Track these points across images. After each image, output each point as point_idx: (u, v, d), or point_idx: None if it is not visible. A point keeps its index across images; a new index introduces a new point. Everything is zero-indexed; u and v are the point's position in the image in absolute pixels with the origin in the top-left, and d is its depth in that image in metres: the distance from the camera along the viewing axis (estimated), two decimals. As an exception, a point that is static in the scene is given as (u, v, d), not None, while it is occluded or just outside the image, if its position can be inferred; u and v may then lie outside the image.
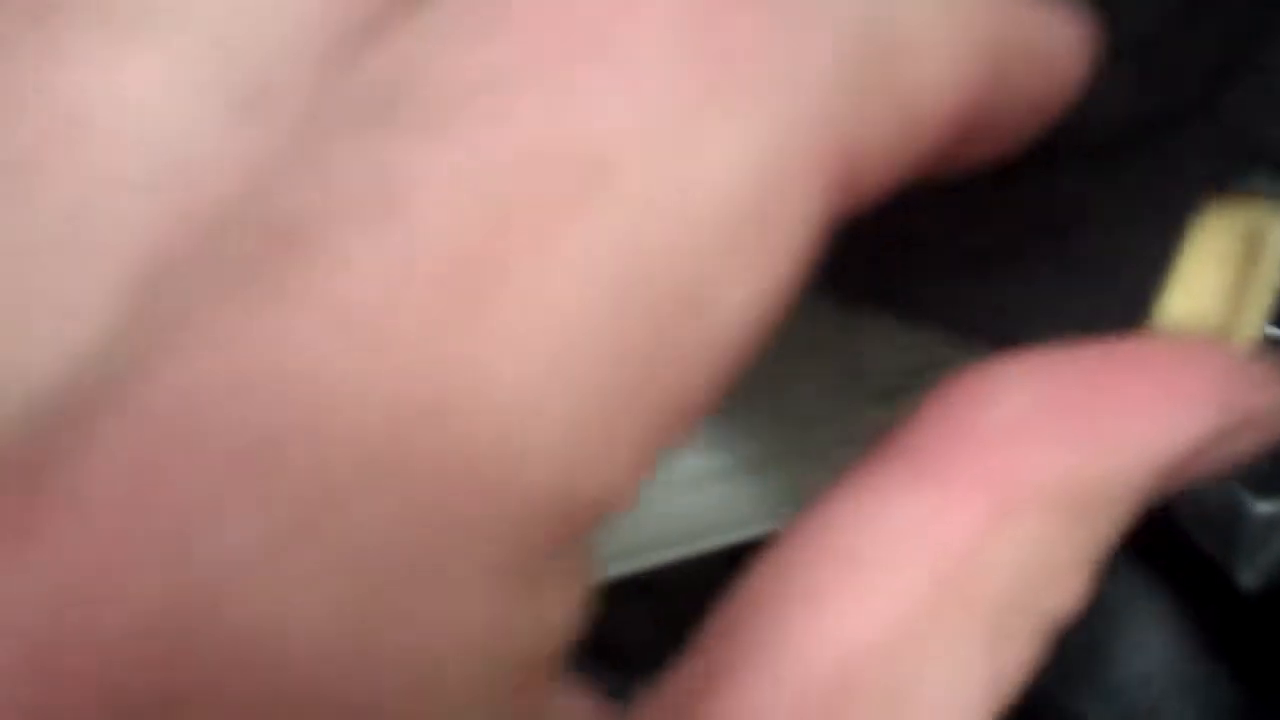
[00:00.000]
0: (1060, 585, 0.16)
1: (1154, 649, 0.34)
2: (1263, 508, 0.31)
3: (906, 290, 0.19)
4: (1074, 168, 0.18)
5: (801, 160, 0.13)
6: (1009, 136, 0.16)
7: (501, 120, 0.12)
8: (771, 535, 0.16)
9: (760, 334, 0.13)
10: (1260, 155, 0.18)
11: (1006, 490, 0.16)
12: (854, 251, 0.19)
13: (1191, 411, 0.17)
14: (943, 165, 0.15)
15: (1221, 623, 0.33)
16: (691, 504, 0.24)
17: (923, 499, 0.16)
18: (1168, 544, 0.32)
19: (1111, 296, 0.18)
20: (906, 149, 0.14)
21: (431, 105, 0.12)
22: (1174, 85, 0.18)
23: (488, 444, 0.12)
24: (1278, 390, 0.18)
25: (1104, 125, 0.18)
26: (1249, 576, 0.32)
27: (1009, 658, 0.16)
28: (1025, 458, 0.16)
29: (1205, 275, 0.19)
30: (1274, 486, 0.31)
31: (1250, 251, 0.19)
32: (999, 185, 0.18)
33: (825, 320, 0.21)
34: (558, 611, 0.13)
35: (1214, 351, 0.18)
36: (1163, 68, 0.18)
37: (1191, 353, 0.18)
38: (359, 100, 0.12)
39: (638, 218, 0.12)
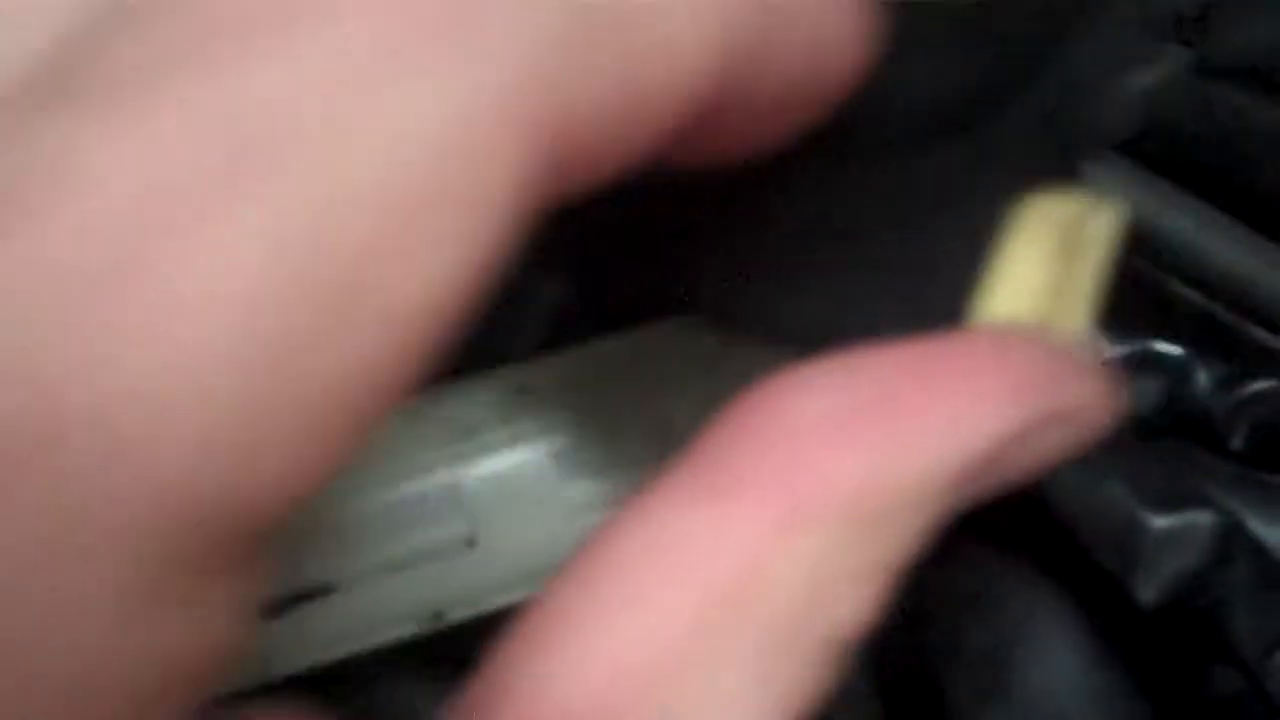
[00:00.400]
0: (851, 599, 0.15)
1: (1057, 662, 0.34)
2: (1160, 522, 0.32)
3: (719, 298, 0.18)
4: (878, 160, 0.17)
5: (493, 134, 0.12)
6: (777, 120, 0.15)
7: (162, 93, 0.11)
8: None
9: (452, 319, 0.12)
10: (1075, 143, 0.18)
11: (796, 500, 0.15)
12: (667, 258, 0.18)
13: (995, 409, 0.16)
14: (706, 148, 0.14)
15: (1124, 636, 0.33)
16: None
17: (706, 512, 0.15)
18: (1070, 557, 0.33)
19: (927, 294, 0.18)
20: (636, 125, 0.13)
21: (99, 83, 0.11)
22: (984, 73, 0.17)
23: (111, 449, 0.11)
24: (1095, 383, 0.17)
25: (902, 115, 0.17)
26: (1148, 592, 0.32)
27: (790, 679, 0.15)
28: (817, 465, 0.15)
29: (1026, 268, 0.18)
30: (1172, 501, 0.32)
31: (1071, 242, 0.18)
32: (801, 180, 0.17)
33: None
34: (208, 628, 0.12)
35: (1023, 345, 0.17)
36: (968, 56, 0.17)
37: (998, 347, 0.17)
38: (44, 84, 0.12)
39: (300, 194, 0.11)
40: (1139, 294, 0.32)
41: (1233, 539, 0.32)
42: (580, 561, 0.15)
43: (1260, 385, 0.31)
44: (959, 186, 0.18)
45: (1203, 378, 0.32)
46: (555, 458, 0.23)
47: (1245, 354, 0.31)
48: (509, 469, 0.23)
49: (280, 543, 0.23)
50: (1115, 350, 0.31)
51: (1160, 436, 0.33)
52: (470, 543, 0.23)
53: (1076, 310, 0.19)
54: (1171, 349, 0.32)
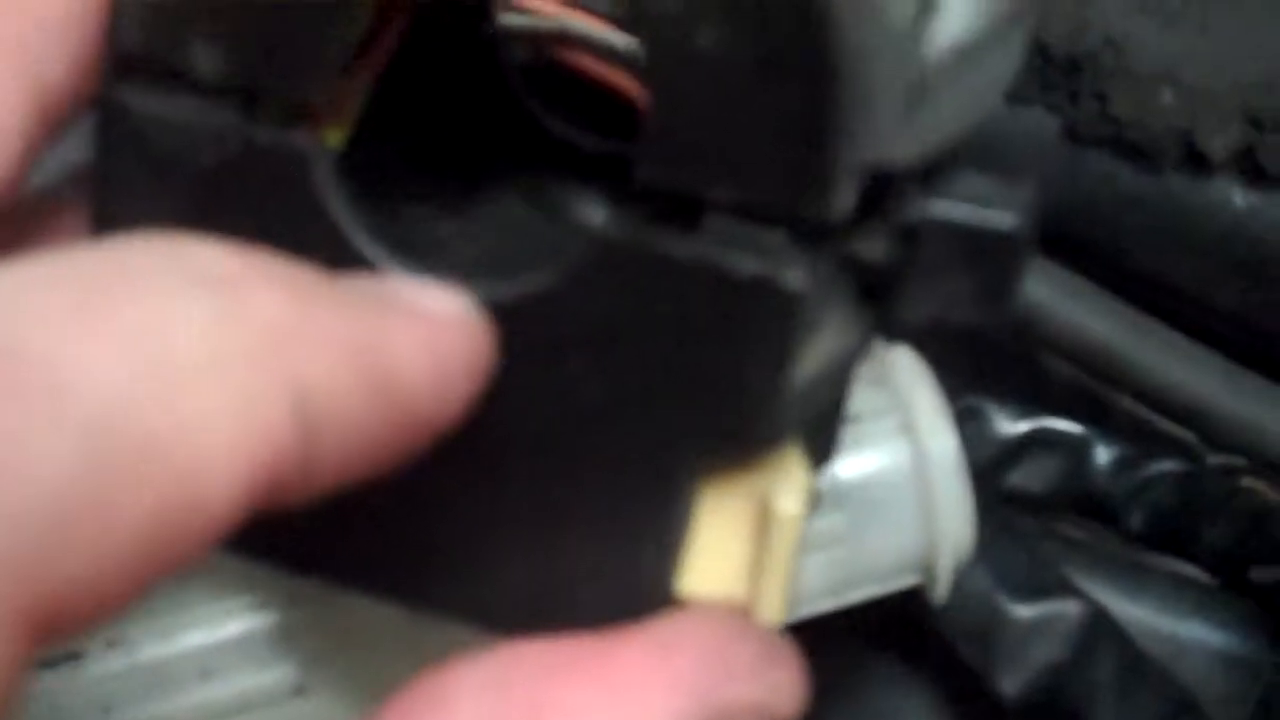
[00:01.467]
0: None
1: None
2: (1022, 612, 0.31)
3: (410, 581, 0.18)
4: (541, 458, 0.17)
5: None
6: (378, 458, 0.15)
7: None
8: None
9: None
10: (759, 415, 0.17)
11: None
12: (350, 543, 0.18)
13: (655, 710, 0.16)
14: (296, 498, 0.14)
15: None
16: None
17: None
18: (936, 648, 0.32)
19: (616, 576, 0.17)
20: (168, 549, 0.13)
21: None
22: (631, 374, 0.17)
23: None
24: (780, 671, 0.17)
25: (554, 414, 0.17)
26: (1010, 683, 0.31)
27: None
28: None
29: (721, 547, 0.18)
30: (1034, 590, 0.31)
31: (764, 514, 0.18)
32: (466, 481, 0.17)
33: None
34: None
35: (700, 636, 0.17)
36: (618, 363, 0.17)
37: (670, 640, 0.17)
38: None
39: None
40: (1034, 372, 0.31)
41: (1098, 628, 0.31)
42: None
43: (1160, 467, 0.31)
44: (647, 465, 0.17)
45: (1102, 457, 0.31)
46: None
47: (1142, 435, 0.31)
48: (342, 611, 0.21)
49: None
50: (1013, 427, 0.31)
51: (1056, 515, 0.32)
52: (299, 690, 0.22)
53: (773, 589, 0.18)
54: (1070, 427, 0.31)
